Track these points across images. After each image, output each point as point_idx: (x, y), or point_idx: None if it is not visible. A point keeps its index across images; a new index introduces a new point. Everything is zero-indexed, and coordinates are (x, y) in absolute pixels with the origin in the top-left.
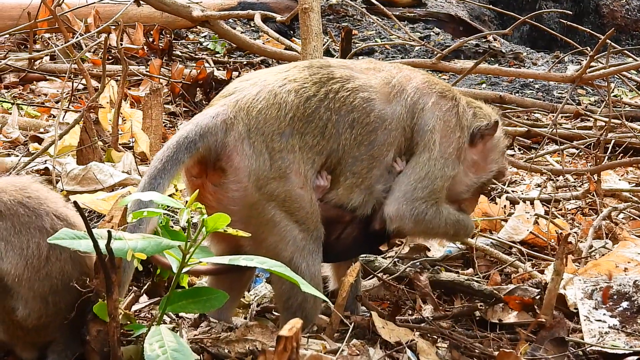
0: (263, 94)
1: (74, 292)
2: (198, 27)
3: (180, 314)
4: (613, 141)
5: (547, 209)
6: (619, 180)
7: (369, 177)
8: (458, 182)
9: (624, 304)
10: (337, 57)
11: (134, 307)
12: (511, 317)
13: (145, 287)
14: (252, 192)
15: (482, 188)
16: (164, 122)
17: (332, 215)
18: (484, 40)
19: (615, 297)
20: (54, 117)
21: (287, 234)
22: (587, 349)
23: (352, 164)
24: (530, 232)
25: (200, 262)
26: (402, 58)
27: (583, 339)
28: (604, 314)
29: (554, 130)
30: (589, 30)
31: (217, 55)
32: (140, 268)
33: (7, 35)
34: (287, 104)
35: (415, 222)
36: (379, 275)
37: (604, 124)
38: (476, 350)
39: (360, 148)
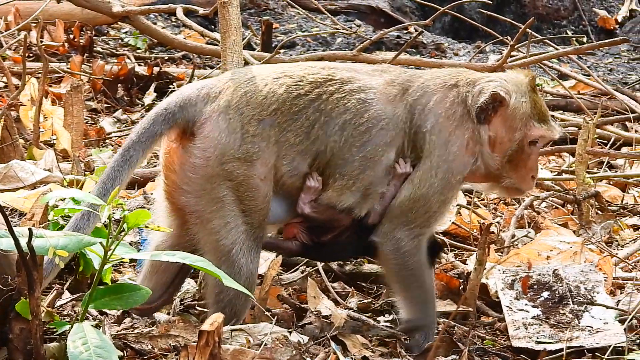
0: (256, 79)
1: None
2: (119, 23)
3: (104, 311)
4: None
5: (470, 199)
6: (541, 169)
7: (362, 178)
8: (487, 165)
9: (545, 294)
10: (258, 51)
11: (57, 304)
12: (437, 307)
13: (68, 283)
14: (213, 164)
15: (522, 160)
16: (85, 119)
17: (329, 218)
18: (405, 31)
19: (535, 287)
20: None
21: (231, 220)
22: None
23: (342, 166)
24: (453, 223)
25: (122, 258)
26: (323, 51)
27: (507, 329)
28: (526, 304)
29: None
30: (510, 19)
31: (138, 51)
32: (62, 265)
33: None
34: (275, 95)
35: (394, 250)
36: (301, 267)
37: None
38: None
39: (352, 150)
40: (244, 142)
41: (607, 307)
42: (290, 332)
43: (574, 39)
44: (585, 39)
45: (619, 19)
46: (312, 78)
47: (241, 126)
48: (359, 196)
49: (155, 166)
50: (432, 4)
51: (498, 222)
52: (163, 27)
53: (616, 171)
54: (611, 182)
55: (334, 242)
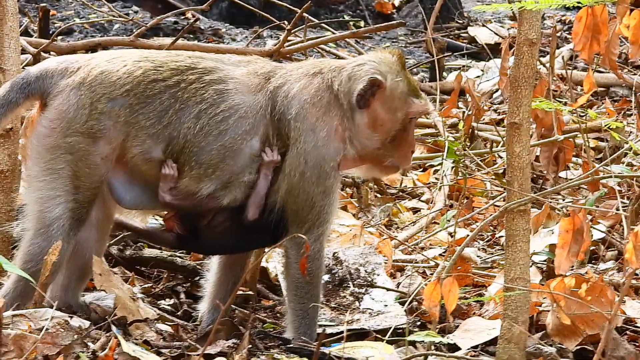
0: (116, 60)
1: None
2: None
3: None
4: None
5: None
6: None
7: (222, 167)
8: (364, 148)
9: (325, 277)
10: (35, 37)
11: None
12: None
13: None
14: (56, 136)
15: (403, 137)
16: None
17: (192, 205)
18: (183, 17)
19: None
20: None
21: (62, 193)
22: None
23: (198, 154)
24: None
25: None
26: (101, 36)
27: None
28: None
29: None
30: (286, 5)
31: None
32: None
33: None
34: (130, 76)
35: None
36: None
37: None
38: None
39: (208, 138)
40: (90, 118)
41: (388, 290)
42: (71, 317)
43: (352, 23)
44: (362, 24)
45: (396, 3)
46: (174, 65)
47: (90, 103)
48: (220, 184)
49: None
50: None
51: None
52: None
53: None
54: None
55: (210, 232)
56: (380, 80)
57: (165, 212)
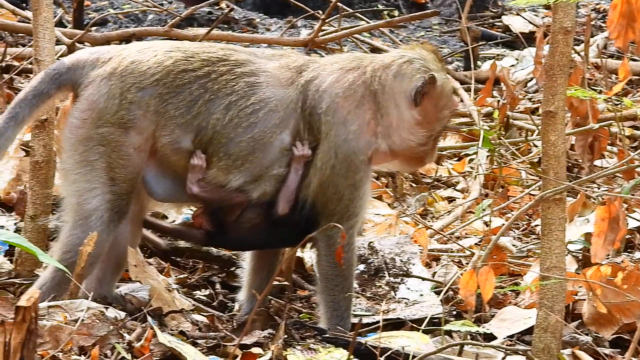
0: (147, 50)
1: None
2: None
3: None
4: None
5: None
6: None
7: (252, 159)
8: (409, 143)
9: (361, 267)
10: (70, 28)
11: None
12: None
13: None
14: (88, 127)
15: (441, 133)
16: None
17: (220, 198)
18: (217, 7)
19: None
20: None
21: (98, 185)
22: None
23: (227, 145)
24: None
25: None
26: (135, 27)
27: None
28: None
29: None
30: None
31: None
32: None
33: None
34: (160, 66)
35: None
36: None
37: None
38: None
39: (237, 130)
40: (120, 108)
41: (423, 279)
42: (106, 308)
43: (386, 12)
44: (396, 13)
45: None
46: (205, 56)
47: (120, 93)
48: (249, 177)
49: None
50: None
51: None
52: None
53: None
54: None
55: (239, 228)
56: (436, 78)
57: (197, 207)
